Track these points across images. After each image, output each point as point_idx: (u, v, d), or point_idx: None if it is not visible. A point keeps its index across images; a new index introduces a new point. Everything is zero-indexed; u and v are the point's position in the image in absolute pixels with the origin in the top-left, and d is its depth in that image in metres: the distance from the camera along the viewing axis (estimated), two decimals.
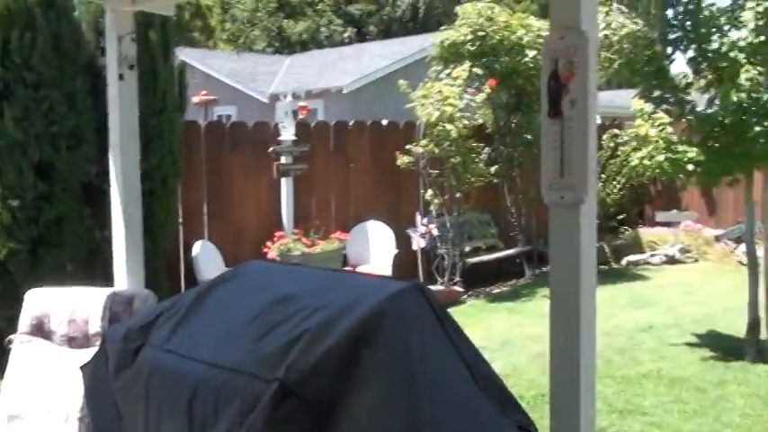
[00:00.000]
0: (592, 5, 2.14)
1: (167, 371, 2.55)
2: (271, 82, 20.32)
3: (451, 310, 8.50)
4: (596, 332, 6.55)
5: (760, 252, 7.04)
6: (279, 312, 2.51)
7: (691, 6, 6.43)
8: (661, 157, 6.58)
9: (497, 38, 9.98)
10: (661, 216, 12.41)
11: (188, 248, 8.00)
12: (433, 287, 9.16)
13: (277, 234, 8.56)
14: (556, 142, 2.17)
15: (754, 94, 6.24)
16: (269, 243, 8.41)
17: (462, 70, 9.56)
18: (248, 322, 2.53)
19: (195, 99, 15.85)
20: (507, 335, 7.56)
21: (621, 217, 12.35)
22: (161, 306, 2.92)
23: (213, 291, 2.83)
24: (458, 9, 10.66)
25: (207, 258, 7.91)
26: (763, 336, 6.63)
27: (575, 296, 2.21)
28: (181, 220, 7.96)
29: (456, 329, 2.60)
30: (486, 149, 10.14)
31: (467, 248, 9.93)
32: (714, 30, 6.44)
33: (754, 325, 6.66)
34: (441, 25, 11.39)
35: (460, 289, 9.45)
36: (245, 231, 8.62)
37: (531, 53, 9.89)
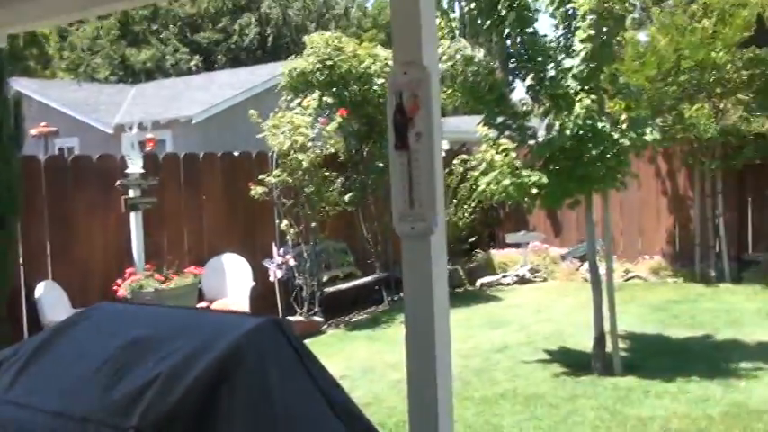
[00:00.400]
0: (433, 42, 2.20)
1: (8, 422, 2.39)
2: (115, 112, 19.66)
3: (312, 341, 8.53)
4: (452, 356, 6.70)
5: (602, 269, 7.43)
6: (131, 356, 2.40)
7: (527, 36, 6.76)
8: (507, 182, 6.83)
9: (346, 67, 10.12)
10: (510, 238, 12.89)
11: (31, 290, 7.57)
12: (292, 318, 9.10)
13: (128, 271, 8.25)
14: (404, 174, 2.21)
15: (589, 121, 6.63)
16: (119, 281, 8.09)
17: (312, 99, 9.61)
18: (98, 368, 2.41)
19: (33, 131, 15.12)
20: (368, 363, 7.59)
21: (474, 240, 12.74)
22: (1, 354, 2.73)
23: (60, 335, 2.68)
24: (305, 38, 10.74)
25: (52, 300, 7.51)
26: (608, 349, 6.97)
27: (429, 324, 2.24)
28: (22, 261, 7.53)
29: (314, 361, 2.58)
30: (340, 178, 10.21)
31: (325, 278, 9.93)
32: (550, 59, 6.80)
33: (599, 339, 7.01)
34: (290, 53, 11.41)
35: (320, 319, 9.42)
36: (93, 269, 8.26)
37: (380, 81, 10.08)
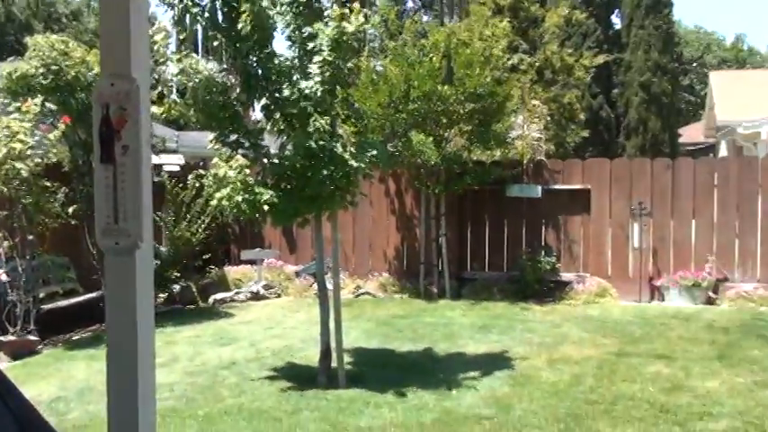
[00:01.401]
0: (144, 53, 2.15)
1: None
2: None
3: (25, 361, 7.97)
4: (179, 374, 6.56)
5: (330, 286, 7.65)
6: None
7: (264, 56, 6.81)
8: (239, 198, 6.84)
9: (73, 73, 9.57)
10: (246, 254, 12.88)
11: None
12: (3, 338, 8.40)
13: None
14: (109, 188, 2.14)
15: (321, 142, 6.82)
16: None
17: (33, 104, 8.96)
18: None
19: None
20: (87, 383, 7.20)
21: (208, 256, 12.56)
22: None
23: None
24: (28, 40, 10.02)
25: None
26: (334, 363, 7.18)
27: (132, 343, 2.17)
28: None
29: (7, 385, 2.40)
30: (64, 189, 9.61)
31: (42, 294, 9.28)
32: (285, 79, 6.91)
33: (325, 354, 7.21)
34: (14, 53, 10.59)
35: (35, 338, 8.76)
36: None
37: None
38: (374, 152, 7.28)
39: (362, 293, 12.40)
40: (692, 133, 29.25)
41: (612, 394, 6.67)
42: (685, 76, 43.15)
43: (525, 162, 12.78)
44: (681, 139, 27.56)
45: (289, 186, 7.03)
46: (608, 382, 7.06)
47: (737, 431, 5.66)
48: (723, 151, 21.23)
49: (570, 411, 6.18)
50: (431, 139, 11.45)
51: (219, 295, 12.05)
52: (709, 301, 11.26)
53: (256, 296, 12.20)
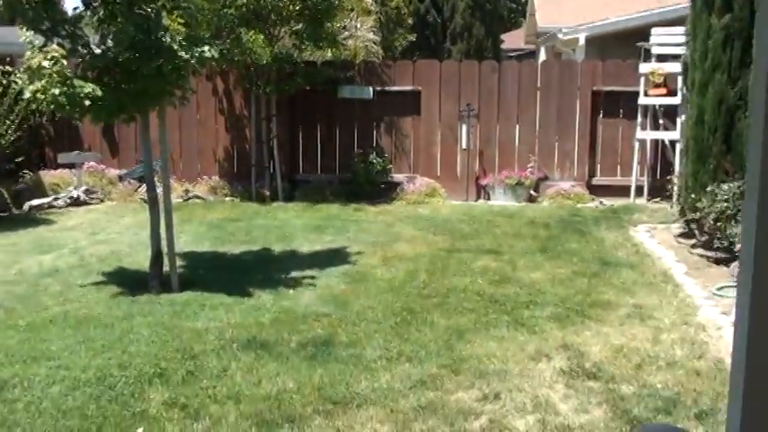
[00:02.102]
0: None
1: None
2: None
3: None
4: None
5: (160, 189, 7.30)
6: None
7: None
8: (56, 91, 6.29)
9: None
10: (63, 158, 12.08)
11: None
12: None
13: None
14: None
15: (147, 34, 6.34)
16: None
17: None
18: None
19: None
20: None
21: (20, 160, 11.66)
22: None
23: None
24: None
25: None
26: (165, 268, 6.92)
27: None
28: None
29: None
30: None
31: None
32: None
33: (156, 258, 6.92)
34: None
35: None
36: None
37: None
38: (203, 47, 6.88)
39: (192, 197, 12.03)
40: (513, 40, 30.05)
41: (445, 288, 6.88)
42: None
43: (357, 63, 12.66)
44: (503, 46, 28.29)
45: (112, 81, 6.54)
46: (440, 277, 7.27)
47: (560, 316, 6.01)
48: (543, 57, 22.00)
49: (406, 305, 6.32)
50: (261, 36, 11.04)
51: (36, 201, 11.28)
52: (531, 199, 11.84)
53: (77, 202, 11.55)
